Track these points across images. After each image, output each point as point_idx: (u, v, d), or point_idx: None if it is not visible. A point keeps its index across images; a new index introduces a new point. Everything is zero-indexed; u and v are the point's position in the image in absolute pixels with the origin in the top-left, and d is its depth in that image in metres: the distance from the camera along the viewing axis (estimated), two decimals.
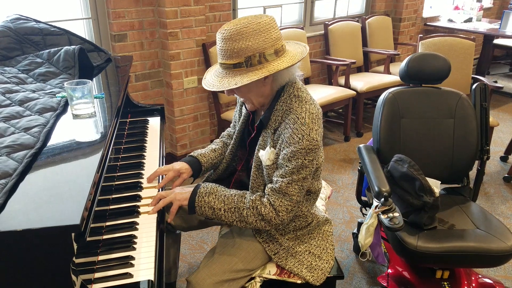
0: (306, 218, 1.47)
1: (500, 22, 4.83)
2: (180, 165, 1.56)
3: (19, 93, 1.49)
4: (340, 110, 4.36)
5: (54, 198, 0.94)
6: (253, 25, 1.25)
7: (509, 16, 4.67)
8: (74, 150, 1.18)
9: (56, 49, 1.82)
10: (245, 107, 1.51)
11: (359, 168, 2.11)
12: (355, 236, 2.36)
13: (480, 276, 1.83)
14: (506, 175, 3.15)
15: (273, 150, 1.35)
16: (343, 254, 2.35)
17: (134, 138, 1.91)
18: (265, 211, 1.33)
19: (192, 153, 1.63)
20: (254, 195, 1.37)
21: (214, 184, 1.44)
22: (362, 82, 3.82)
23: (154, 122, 2.13)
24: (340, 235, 2.52)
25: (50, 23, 2.01)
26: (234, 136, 1.58)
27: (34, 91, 1.54)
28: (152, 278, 1.10)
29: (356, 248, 2.37)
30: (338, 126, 4.10)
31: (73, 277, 0.90)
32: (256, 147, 1.42)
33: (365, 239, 1.66)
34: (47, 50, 1.82)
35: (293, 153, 1.29)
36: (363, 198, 2.17)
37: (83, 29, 2.80)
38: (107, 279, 1.08)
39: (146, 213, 1.36)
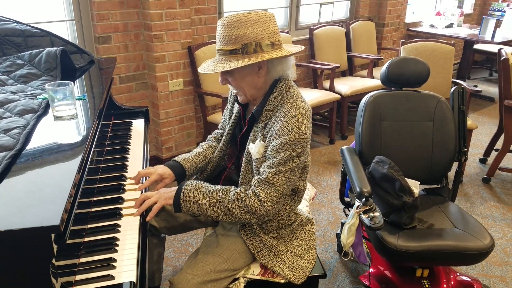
0: (289, 217, 1.49)
1: (479, 27, 4.94)
2: (163, 170, 1.56)
3: None
4: (325, 114, 4.40)
5: (33, 200, 0.94)
6: (253, 15, 1.31)
7: (488, 22, 4.79)
8: (55, 152, 1.18)
9: (37, 50, 1.81)
10: (237, 102, 1.52)
11: (342, 169, 2.14)
12: (339, 236, 2.39)
13: (458, 274, 1.87)
14: (485, 176, 3.23)
15: (262, 144, 1.37)
16: (327, 254, 2.38)
17: (117, 140, 1.90)
18: (250, 202, 1.33)
19: (176, 158, 1.63)
20: (239, 188, 1.38)
21: (199, 181, 1.44)
22: (346, 86, 3.87)
23: (138, 124, 2.13)
24: (324, 235, 2.54)
25: (32, 25, 2.00)
26: (225, 134, 1.59)
27: (14, 93, 1.53)
28: (134, 279, 1.10)
29: (340, 248, 2.40)
30: (323, 129, 4.14)
31: (53, 280, 0.90)
32: (247, 142, 1.43)
33: (347, 238, 1.69)
34: (29, 52, 1.81)
35: (282, 144, 1.31)
36: (346, 199, 2.20)
37: (66, 31, 2.79)
38: (88, 281, 1.08)
39: (130, 215, 1.36)
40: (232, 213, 1.36)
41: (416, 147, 2.05)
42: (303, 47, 1.47)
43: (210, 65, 1.39)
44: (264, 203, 1.33)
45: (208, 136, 1.78)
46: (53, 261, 0.91)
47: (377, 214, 1.62)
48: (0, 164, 1.04)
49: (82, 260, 1.15)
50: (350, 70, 4.46)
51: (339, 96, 3.75)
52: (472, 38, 4.88)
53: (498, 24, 5.06)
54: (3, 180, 1.00)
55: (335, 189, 3.07)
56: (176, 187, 1.44)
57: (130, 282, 1.09)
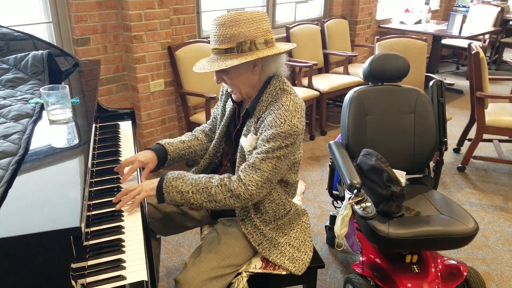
0: (285, 206, 1.52)
1: (447, 23, 5.13)
2: (144, 156, 1.54)
3: None
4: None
5: (47, 203, 0.94)
6: (246, 14, 1.33)
7: (455, 17, 4.98)
8: (58, 156, 1.17)
9: (23, 54, 1.77)
10: (232, 100, 1.55)
11: (330, 163, 2.20)
12: (328, 228, 2.45)
13: (445, 258, 1.96)
14: (460, 165, 3.37)
15: (255, 137, 1.40)
16: (317, 246, 2.43)
17: (108, 143, 1.89)
18: (234, 186, 1.34)
19: (159, 141, 1.64)
20: (223, 175, 1.40)
21: (181, 171, 1.44)
22: (324, 83, 3.95)
23: (125, 126, 2.11)
24: (313, 229, 2.60)
25: (12, 28, 1.96)
26: (218, 131, 1.61)
27: (4, 98, 1.50)
28: (146, 278, 1.11)
29: (329, 240, 2.46)
30: None
31: (73, 282, 0.91)
32: (241, 136, 1.46)
33: (341, 229, 1.74)
34: (13, 56, 1.78)
35: (273, 135, 1.34)
36: (334, 192, 2.26)
37: (43, 34, 2.73)
38: (100, 282, 1.09)
39: (131, 216, 1.37)
40: (216, 198, 1.36)
41: (399, 139, 2.13)
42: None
43: (205, 64, 1.41)
44: (248, 186, 1.34)
45: (196, 128, 1.80)
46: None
47: (369, 204, 1.69)
48: (7, 170, 1.03)
49: (90, 262, 1.16)
50: (326, 67, 4.54)
51: (318, 93, 3.82)
52: (441, 34, 5.06)
53: (464, 20, 5.28)
54: (12, 185, 0.99)
55: (319, 183, 3.14)
56: (158, 178, 1.43)
57: (143, 281, 1.10)
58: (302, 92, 3.69)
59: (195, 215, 1.74)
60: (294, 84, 4.15)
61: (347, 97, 2.17)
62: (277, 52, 1.38)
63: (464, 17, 5.12)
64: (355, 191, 1.73)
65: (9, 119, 1.33)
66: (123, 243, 1.24)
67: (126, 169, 1.52)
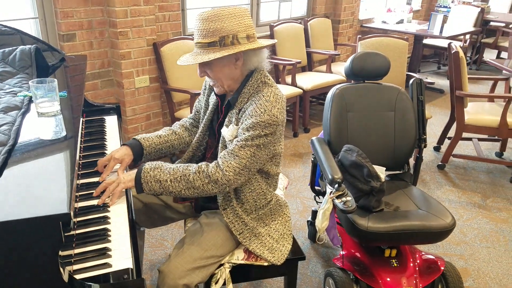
0: (266, 196, 1.57)
1: (428, 23, 5.25)
2: (120, 153, 1.56)
3: None
4: (288, 108, 4.53)
5: (36, 191, 0.97)
6: (229, 10, 1.38)
7: (436, 17, 5.10)
8: (47, 147, 1.20)
9: (10, 48, 1.78)
10: (214, 93, 1.59)
11: (312, 159, 2.25)
12: (310, 223, 2.51)
13: (423, 253, 2.04)
14: (440, 163, 3.47)
15: (236, 127, 1.45)
16: (299, 241, 2.49)
17: (93, 137, 1.91)
18: (212, 171, 1.38)
19: (136, 136, 1.67)
20: (201, 163, 1.43)
21: (159, 161, 1.47)
22: (307, 81, 4.01)
23: (111, 121, 2.13)
24: (295, 224, 2.66)
25: (0, 23, 1.96)
26: (202, 124, 1.65)
27: None
28: (131, 266, 1.15)
29: (311, 235, 2.52)
30: (287, 123, 4.25)
31: (60, 269, 0.94)
32: (222, 128, 1.50)
33: (322, 222, 1.80)
34: (1, 50, 1.78)
35: (252, 124, 1.39)
36: (316, 188, 2.31)
37: (30, 29, 2.72)
38: (86, 270, 1.12)
39: (116, 206, 1.40)
40: (194, 185, 1.39)
41: (380, 135, 2.20)
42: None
43: (188, 58, 1.45)
44: (226, 172, 1.38)
45: (175, 122, 1.83)
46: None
47: (349, 198, 1.75)
48: None
49: (77, 251, 1.18)
50: (309, 65, 4.61)
51: (301, 90, 3.88)
52: (422, 33, 5.18)
53: (445, 20, 5.40)
54: (2, 174, 1.02)
55: (302, 179, 3.20)
56: (136, 169, 1.45)
57: (128, 268, 1.14)
58: (285, 90, 3.75)
59: (179, 208, 1.78)
60: (278, 82, 4.20)
61: (329, 94, 2.23)
62: (258, 46, 1.43)
63: (445, 17, 5.25)
64: (336, 185, 1.79)
65: None
66: (109, 233, 1.28)
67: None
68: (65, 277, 0.98)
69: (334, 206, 1.79)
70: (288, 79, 4.05)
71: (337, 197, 1.76)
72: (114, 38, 2.96)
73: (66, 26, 2.76)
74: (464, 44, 6.09)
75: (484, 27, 6.85)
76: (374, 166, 1.97)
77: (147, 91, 3.22)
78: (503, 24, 6.71)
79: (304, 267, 2.28)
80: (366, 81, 2.27)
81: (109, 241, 1.24)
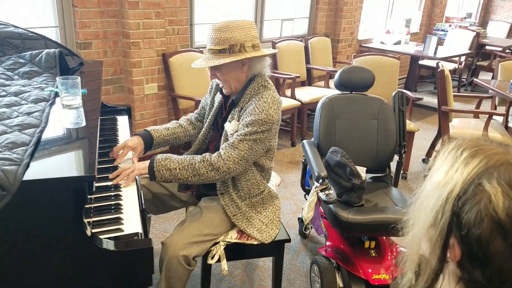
0: (259, 186, 1.79)
1: (424, 45, 5.52)
2: (133, 142, 1.80)
3: (11, 86, 1.71)
4: (287, 120, 4.77)
5: (67, 160, 1.20)
6: (238, 22, 1.63)
7: (431, 40, 5.37)
8: (73, 130, 1.44)
9: (37, 51, 2.04)
10: (221, 93, 1.82)
11: (302, 160, 2.48)
12: (300, 221, 2.72)
13: (399, 245, 2.24)
14: (426, 173, 3.67)
15: (237, 123, 1.68)
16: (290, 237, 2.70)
17: (107, 132, 2.15)
18: (214, 160, 1.61)
19: (146, 128, 1.91)
20: (205, 153, 1.66)
21: (168, 153, 1.69)
22: (306, 94, 4.27)
23: (122, 120, 2.38)
24: (287, 222, 2.87)
25: (27, 29, 2.23)
26: (207, 120, 1.88)
27: (23, 86, 1.76)
28: (140, 230, 1.37)
29: (301, 232, 2.73)
30: (286, 133, 4.50)
31: (85, 220, 1.17)
32: (226, 123, 1.74)
33: (307, 213, 2.02)
34: (29, 52, 2.04)
35: (251, 121, 1.62)
36: (306, 187, 2.53)
37: (50, 36, 2.99)
38: (101, 233, 1.34)
39: (128, 188, 1.62)
40: (199, 172, 1.61)
41: (364, 141, 2.43)
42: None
43: (201, 62, 1.70)
44: (227, 161, 1.61)
45: (182, 117, 2.07)
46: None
47: (331, 191, 1.97)
48: (34, 136, 1.29)
49: (94, 219, 1.41)
50: (309, 80, 4.87)
51: (299, 103, 4.13)
52: (417, 54, 5.45)
53: (440, 42, 5.68)
54: (37, 148, 1.25)
55: (297, 184, 3.42)
56: (149, 160, 1.68)
57: (138, 232, 1.36)
58: (284, 102, 3.99)
59: (182, 196, 2.00)
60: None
61: (320, 103, 2.47)
62: (262, 54, 1.68)
63: (440, 40, 5.52)
64: (321, 180, 2.01)
65: (29, 102, 1.59)
66: (121, 207, 1.50)
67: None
68: (88, 232, 1.20)
69: (319, 198, 2.01)
70: (288, 92, 4.30)
71: (321, 190, 1.98)
72: (127, 47, 3.23)
73: (83, 35, 3.04)
74: (459, 66, 6.36)
75: (480, 51, 7.13)
76: (357, 166, 2.19)
77: (155, 98, 3.48)
78: (500, 49, 6.98)
79: (294, 259, 2.48)
80: (353, 92, 2.51)
81: (121, 212, 1.47)
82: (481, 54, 7.27)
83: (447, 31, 6.95)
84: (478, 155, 0.60)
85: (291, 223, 2.87)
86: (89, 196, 1.42)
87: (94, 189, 1.19)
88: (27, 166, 1.13)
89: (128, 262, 1.25)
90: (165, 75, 3.48)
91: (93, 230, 1.34)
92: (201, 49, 3.71)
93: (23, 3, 2.91)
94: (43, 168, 1.14)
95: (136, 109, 3.38)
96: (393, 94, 2.52)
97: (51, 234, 1.14)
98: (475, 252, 0.57)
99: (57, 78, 1.65)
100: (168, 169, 1.63)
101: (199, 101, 3.25)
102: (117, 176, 1.61)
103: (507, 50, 7.12)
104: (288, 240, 1.85)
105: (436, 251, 0.64)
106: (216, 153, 1.65)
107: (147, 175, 1.66)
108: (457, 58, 6.16)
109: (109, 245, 1.23)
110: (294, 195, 3.25)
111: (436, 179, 0.65)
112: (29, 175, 1.09)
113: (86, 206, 1.45)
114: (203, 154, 1.66)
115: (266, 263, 2.44)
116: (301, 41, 4.73)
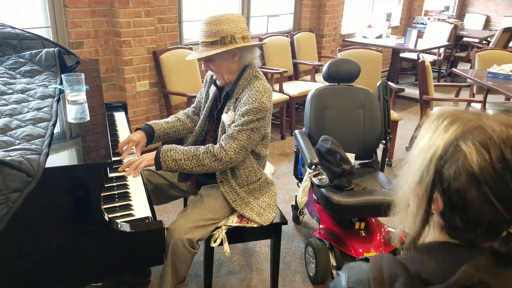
0: (256, 174, 1.90)
1: (404, 38, 5.70)
2: (137, 136, 1.90)
3: (16, 84, 1.79)
4: (276, 114, 4.89)
5: (83, 150, 1.29)
6: (228, 15, 1.73)
7: (411, 33, 5.55)
8: (83, 122, 1.52)
9: (36, 51, 2.11)
10: (215, 85, 1.92)
11: (295, 149, 2.60)
12: (294, 208, 2.84)
13: (387, 226, 2.38)
14: (408, 146, 3.83)
15: (233, 113, 1.79)
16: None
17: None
18: (217, 151, 1.72)
19: (148, 122, 2.01)
20: (207, 145, 1.76)
21: (173, 145, 1.79)
22: (293, 88, 4.39)
23: (119, 116, 2.46)
24: (281, 210, 2.98)
25: (24, 30, 2.29)
26: (203, 112, 1.99)
27: (27, 84, 1.84)
28: (149, 215, 1.47)
29: (295, 218, 2.85)
30: (275, 127, 4.61)
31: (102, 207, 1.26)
32: (222, 114, 1.84)
33: (302, 197, 2.14)
34: (28, 52, 2.11)
35: (246, 110, 1.72)
36: (299, 176, 2.65)
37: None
38: (114, 218, 1.43)
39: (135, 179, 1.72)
40: (203, 162, 1.72)
41: (352, 129, 2.56)
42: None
43: (195, 54, 1.79)
44: (228, 151, 1.72)
45: (180, 111, 2.17)
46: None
47: (323, 176, 2.09)
48: (48, 129, 1.37)
49: (106, 206, 1.50)
50: (296, 75, 4.99)
51: (288, 97, 4.25)
52: (398, 47, 5.62)
53: (420, 35, 5.86)
54: (52, 139, 1.34)
55: (288, 175, 3.54)
56: (155, 151, 1.77)
57: (148, 216, 1.46)
58: (273, 96, 4.09)
59: (182, 186, 2.10)
60: None
61: (309, 94, 2.59)
62: (252, 44, 1.78)
63: (419, 33, 5.71)
64: (313, 166, 2.13)
65: (36, 98, 1.67)
66: (129, 195, 1.60)
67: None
68: (106, 217, 1.30)
69: (312, 183, 2.14)
70: (276, 86, 4.41)
71: (314, 176, 2.10)
72: (118, 46, 3.29)
73: (75, 35, 3.10)
74: (439, 57, 6.57)
75: (458, 42, 7.36)
76: (346, 153, 2.32)
77: (147, 95, 3.55)
78: (477, 40, 7.22)
79: (288, 243, 2.61)
80: (340, 83, 2.63)
81: (130, 199, 1.57)
82: (459, 46, 7.51)
83: (426, 24, 7.16)
84: (456, 122, 0.72)
85: (285, 211, 2.99)
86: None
87: (109, 176, 1.28)
88: (47, 155, 1.22)
89: (143, 243, 1.35)
90: (156, 72, 3.56)
91: (106, 216, 1.44)
92: (190, 46, 3.80)
93: (7, 4, 2.95)
94: (61, 157, 1.23)
95: (129, 106, 3.44)
96: (378, 84, 2.65)
97: (73, 219, 1.23)
98: (455, 201, 0.70)
99: (62, 75, 1.73)
100: (173, 159, 1.73)
101: (191, 96, 3.36)
102: (127, 168, 1.70)
103: (484, 41, 7.37)
104: (285, 223, 1.97)
105: (423, 205, 0.76)
106: (218, 145, 1.75)
107: (150, 167, 1.76)
108: (436, 50, 6.37)
109: (125, 228, 1.32)
110: (286, 185, 3.37)
111: (421, 144, 0.77)
112: (50, 163, 1.18)
113: None
114: (207, 145, 1.76)
115: (262, 249, 2.56)
116: (286, 36, 4.85)
